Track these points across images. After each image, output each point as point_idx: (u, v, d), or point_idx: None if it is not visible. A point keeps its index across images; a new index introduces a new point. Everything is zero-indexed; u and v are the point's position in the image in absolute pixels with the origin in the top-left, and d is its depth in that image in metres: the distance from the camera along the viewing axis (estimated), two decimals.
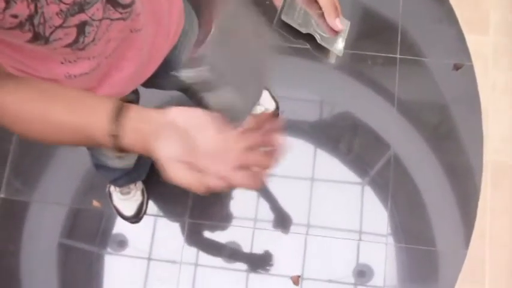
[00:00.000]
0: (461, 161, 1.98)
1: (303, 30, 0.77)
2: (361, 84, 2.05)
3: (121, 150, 0.69)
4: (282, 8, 0.77)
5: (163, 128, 0.66)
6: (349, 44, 2.07)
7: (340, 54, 0.79)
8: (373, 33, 2.11)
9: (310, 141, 2.00)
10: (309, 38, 0.78)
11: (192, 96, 1.63)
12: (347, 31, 0.81)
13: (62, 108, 0.70)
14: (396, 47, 2.07)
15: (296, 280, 1.86)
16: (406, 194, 1.94)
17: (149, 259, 1.91)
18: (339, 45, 0.80)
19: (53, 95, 0.72)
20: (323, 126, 2.02)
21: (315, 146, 1.99)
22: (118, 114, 0.67)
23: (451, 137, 2.00)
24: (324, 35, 0.79)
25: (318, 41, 0.78)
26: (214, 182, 0.65)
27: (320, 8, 0.79)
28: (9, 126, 0.73)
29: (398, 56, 2.05)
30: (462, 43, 2.07)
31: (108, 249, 1.93)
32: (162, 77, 1.13)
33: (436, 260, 1.88)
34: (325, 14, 0.78)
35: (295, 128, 2.00)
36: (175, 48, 1.10)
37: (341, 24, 0.80)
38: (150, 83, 1.12)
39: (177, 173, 0.64)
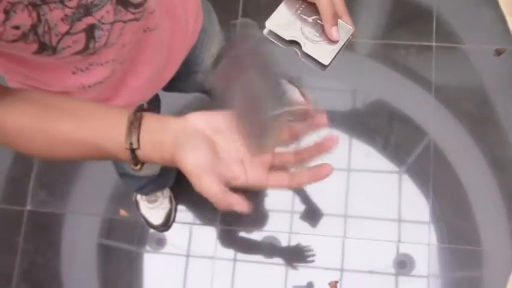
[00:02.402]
0: (506, 153, 1.88)
1: (286, 37, 0.75)
2: (396, 73, 1.98)
3: (139, 163, 0.65)
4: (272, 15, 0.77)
5: (183, 135, 0.62)
6: (380, 34, 2.02)
7: (326, 63, 0.75)
8: (406, 21, 2.03)
9: (345, 131, 1.95)
10: (299, 44, 0.76)
11: (214, 97, 1.56)
12: (345, 39, 0.76)
13: (69, 122, 0.65)
14: (431, 35, 1.97)
15: (334, 286, 1.78)
16: (448, 186, 1.86)
17: (188, 256, 1.88)
18: (328, 54, 0.75)
19: (58, 109, 0.67)
20: (357, 116, 1.97)
21: (350, 136, 1.94)
22: (133, 126, 0.63)
23: (494, 126, 1.91)
24: (317, 41, 0.75)
25: (303, 48, 0.75)
26: (237, 200, 0.61)
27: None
28: (13, 145, 0.68)
29: (434, 43, 1.97)
30: (503, 27, 1.96)
31: (147, 248, 1.92)
32: (183, 80, 1.06)
33: (480, 259, 1.79)
34: (323, 22, 0.74)
35: (330, 118, 1.89)
36: (195, 47, 1.03)
37: (339, 33, 0.75)
38: (171, 87, 1.05)
39: (205, 184, 0.60)
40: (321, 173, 0.62)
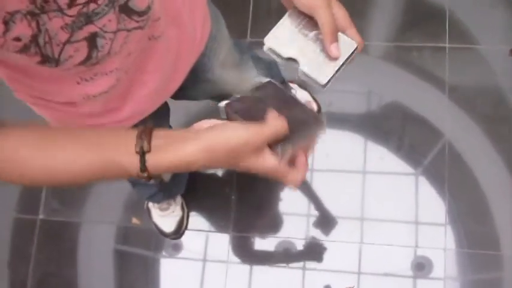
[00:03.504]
0: None
1: (284, 54, 0.72)
2: (409, 75, 1.96)
3: (146, 170, 0.61)
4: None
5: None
6: (393, 36, 2.00)
7: (323, 83, 0.70)
8: (419, 23, 2.00)
9: (360, 133, 1.93)
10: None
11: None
12: (347, 55, 0.71)
13: (71, 147, 0.63)
14: (445, 36, 1.95)
15: None
16: (465, 188, 1.83)
17: (204, 260, 1.88)
18: (326, 73, 0.71)
19: (59, 137, 0.65)
20: (372, 118, 1.95)
21: (364, 138, 1.93)
22: (144, 133, 0.61)
23: (510, 127, 1.87)
24: (316, 59, 0.71)
25: (301, 66, 0.71)
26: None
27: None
28: (18, 178, 0.65)
29: (447, 45, 1.94)
30: None
31: (164, 253, 1.91)
32: (191, 88, 1.04)
33: (500, 263, 1.75)
34: (322, 38, 0.69)
35: (344, 121, 1.94)
36: (203, 55, 1.00)
37: (339, 49, 0.70)
38: (179, 95, 1.03)
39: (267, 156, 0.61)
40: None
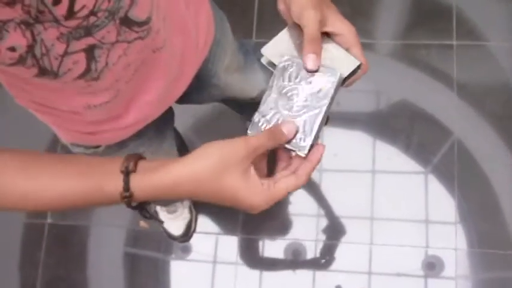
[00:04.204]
0: None
1: (271, 68, 0.69)
2: (417, 72, 1.95)
3: (129, 189, 0.60)
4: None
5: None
6: (400, 34, 2.00)
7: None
8: (425, 20, 1.99)
9: (368, 132, 1.92)
10: None
11: (233, 106, 1.53)
12: (344, 75, 0.65)
13: (63, 173, 0.62)
14: (452, 33, 1.93)
15: None
16: (475, 187, 1.82)
17: (214, 262, 1.87)
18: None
19: (46, 162, 0.64)
20: (381, 117, 1.94)
21: (373, 137, 1.92)
22: (130, 156, 0.61)
23: None
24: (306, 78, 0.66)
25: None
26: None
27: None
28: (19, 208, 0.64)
29: (454, 42, 1.92)
30: None
31: (173, 256, 1.91)
32: (196, 93, 1.03)
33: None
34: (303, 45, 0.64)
35: (352, 120, 1.94)
36: (207, 60, 0.98)
37: (316, 62, 0.63)
38: (184, 100, 1.01)
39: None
40: (318, 157, 0.64)
